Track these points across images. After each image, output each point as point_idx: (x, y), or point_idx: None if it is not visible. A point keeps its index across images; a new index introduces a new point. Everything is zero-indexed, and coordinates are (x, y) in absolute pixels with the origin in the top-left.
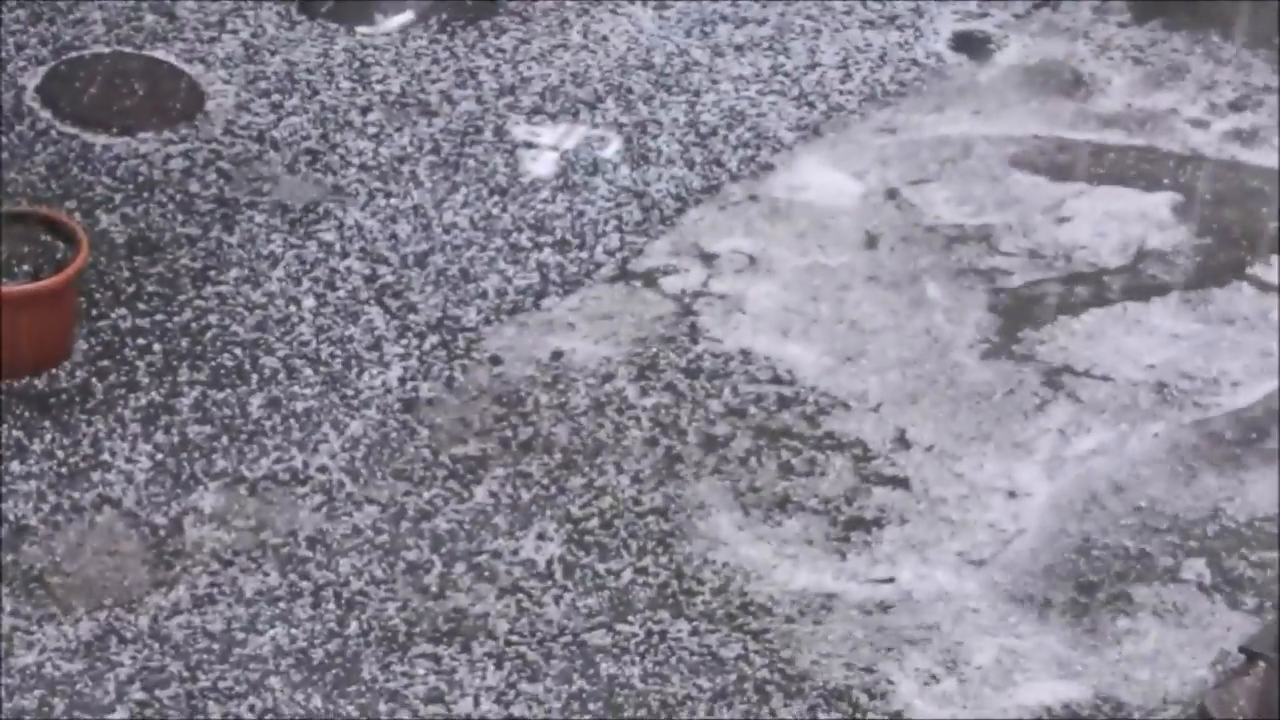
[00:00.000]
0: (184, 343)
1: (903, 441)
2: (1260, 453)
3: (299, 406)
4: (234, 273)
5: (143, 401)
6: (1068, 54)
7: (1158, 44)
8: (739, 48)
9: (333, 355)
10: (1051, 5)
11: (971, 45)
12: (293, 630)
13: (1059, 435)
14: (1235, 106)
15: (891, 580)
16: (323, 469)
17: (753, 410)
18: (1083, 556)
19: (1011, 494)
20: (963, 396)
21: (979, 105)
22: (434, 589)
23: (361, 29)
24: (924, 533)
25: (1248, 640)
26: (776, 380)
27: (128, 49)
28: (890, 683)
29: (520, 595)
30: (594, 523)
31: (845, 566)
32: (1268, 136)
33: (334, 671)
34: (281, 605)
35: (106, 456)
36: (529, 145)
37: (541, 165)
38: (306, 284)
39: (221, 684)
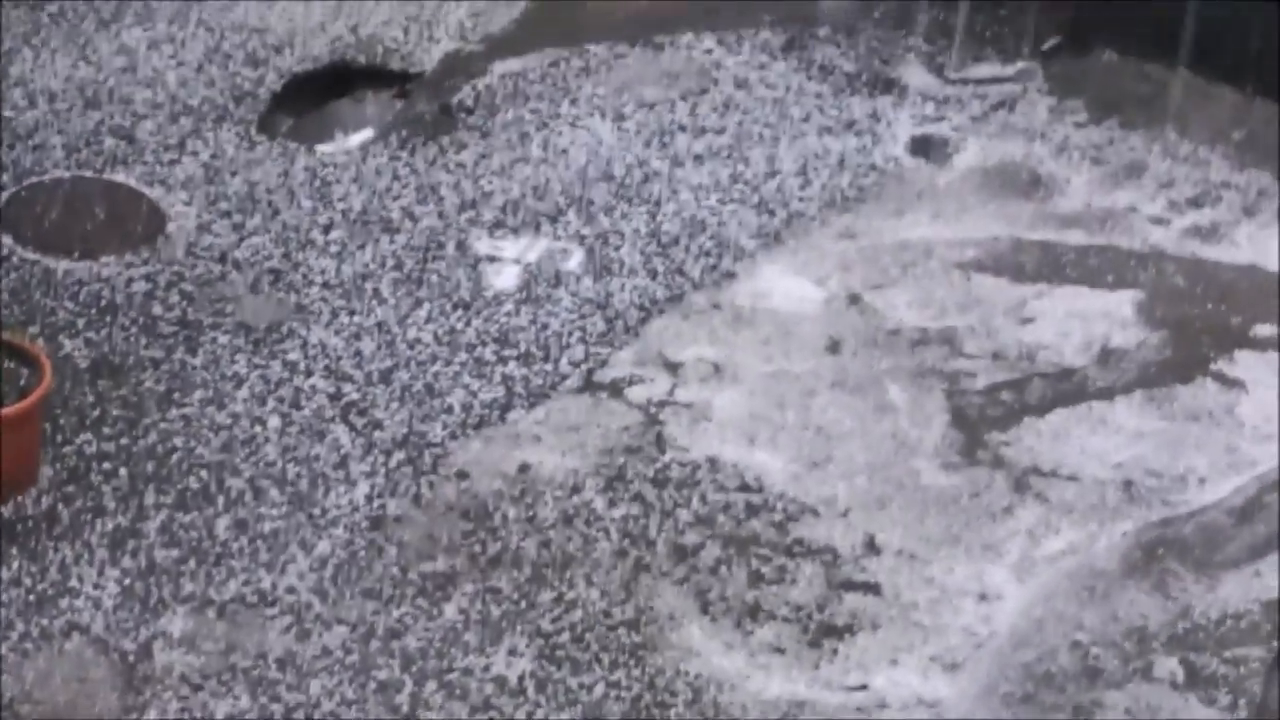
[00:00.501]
0: (149, 466)
1: (872, 547)
2: (1228, 549)
3: (266, 527)
4: (198, 394)
5: (109, 526)
6: (1025, 155)
7: (1115, 143)
8: (698, 157)
9: (299, 475)
10: (1008, 107)
11: (929, 149)
12: None
13: (1028, 537)
14: (1194, 203)
15: (865, 687)
16: (291, 590)
17: (721, 519)
18: (1055, 658)
19: (983, 597)
20: (930, 500)
21: (938, 208)
22: (405, 708)
23: (322, 147)
24: (896, 638)
25: None
26: (744, 488)
27: (88, 173)
28: None
29: (492, 712)
30: (565, 636)
31: (818, 675)
32: (1228, 232)
33: None
34: None
35: (74, 582)
36: (492, 259)
37: (504, 278)
38: (271, 404)
39: None
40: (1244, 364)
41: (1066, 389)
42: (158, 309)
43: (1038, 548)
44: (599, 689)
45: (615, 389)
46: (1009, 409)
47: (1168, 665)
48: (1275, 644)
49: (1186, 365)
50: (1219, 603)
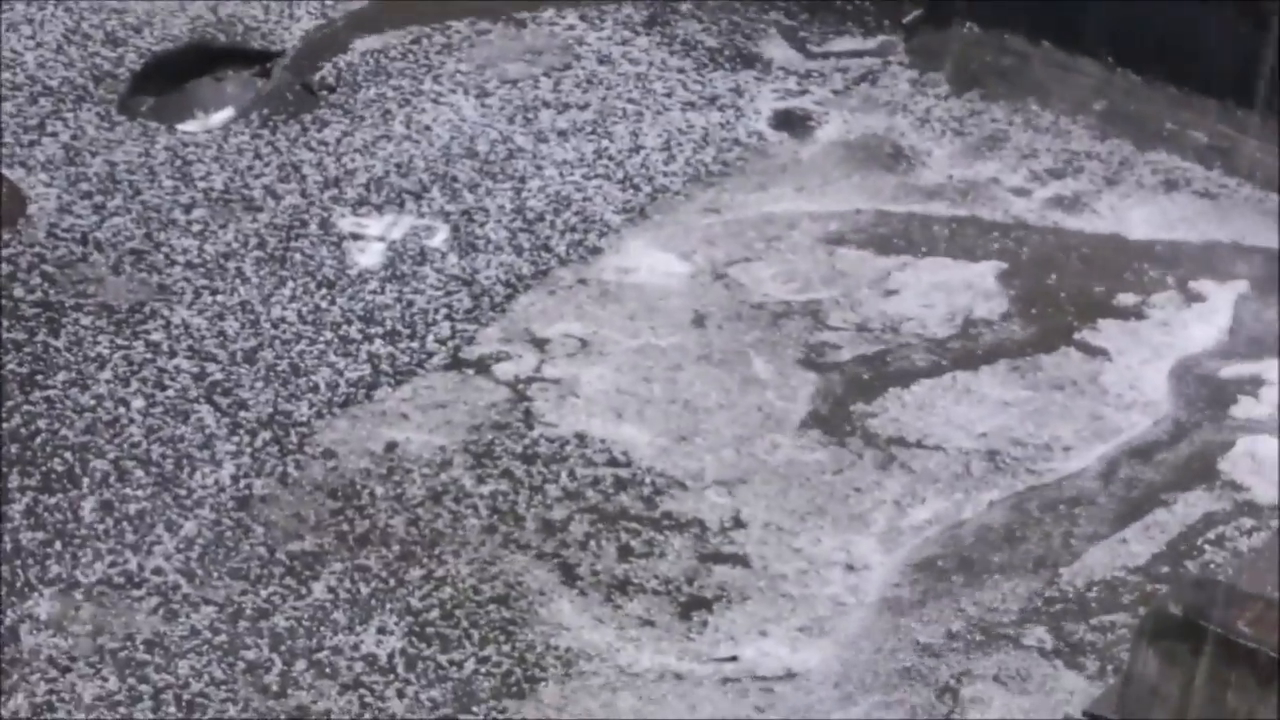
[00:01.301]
0: (13, 449)
1: (739, 520)
2: (1094, 518)
3: (131, 509)
4: (61, 376)
5: None
6: (888, 128)
7: (976, 114)
8: (562, 133)
9: (164, 456)
10: (870, 80)
11: (792, 123)
12: None
13: (894, 507)
14: (1056, 174)
15: (735, 659)
16: (158, 571)
17: (590, 493)
18: (923, 626)
19: (850, 567)
20: (797, 472)
21: (802, 182)
22: (275, 688)
23: (183, 127)
24: (765, 609)
25: (1091, 704)
26: (613, 463)
27: None
28: None
29: (362, 691)
30: (435, 614)
31: (688, 647)
32: (1089, 202)
33: None
34: (122, 710)
35: None
36: (355, 237)
37: (369, 256)
38: (135, 385)
39: None
40: (1106, 333)
41: (931, 360)
42: (19, 291)
43: (904, 518)
44: (469, 665)
45: (482, 366)
46: (874, 380)
47: (1036, 633)
48: (1141, 611)
49: (1050, 335)
50: (1085, 571)
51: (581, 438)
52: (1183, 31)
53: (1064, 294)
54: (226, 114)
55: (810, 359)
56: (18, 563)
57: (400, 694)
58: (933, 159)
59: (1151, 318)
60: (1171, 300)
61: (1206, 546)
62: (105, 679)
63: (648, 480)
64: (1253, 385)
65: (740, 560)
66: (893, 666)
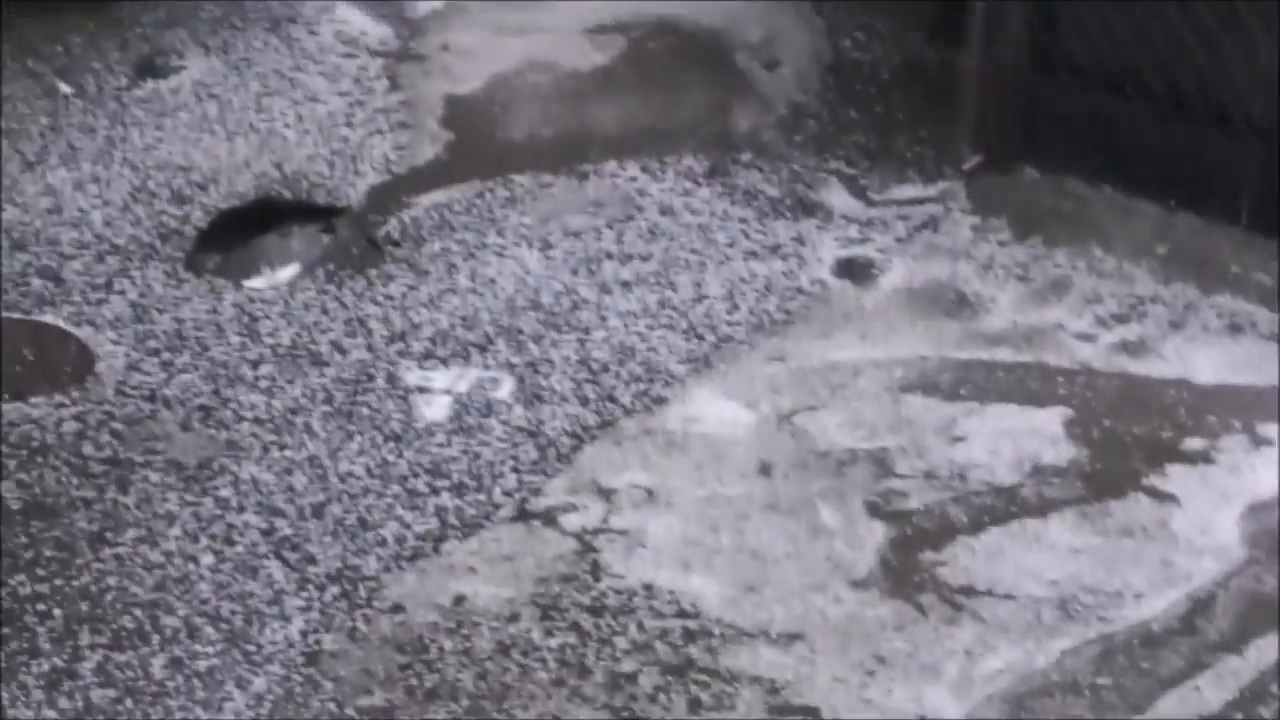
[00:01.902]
0: (84, 606)
1: (810, 670)
2: (1166, 664)
3: (201, 665)
4: (131, 533)
5: (45, 668)
6: (951, 275)
7: (1039, 260)
8: (625, 284)
9: (233, 612)
10: (931, 227)
11: (855, 271)
12: None
13: (965, 656)
14: (1120, 319)
15: None
16: None
17: (658, 645)
18: None
19: (922, 719)
20: (867, 622)
21: (865, 330)
22: None
23: (249, 283)
24: None
25: None
26: (681, 614)
27: (15, 315)
28: None
29: None
30: None
31: None
32: (1155, 347)
33: None
34: None
35: None
36: (422, 390)
37: (435, 409)
38: (204, 541)
39: None
40: (1175, 478)
41: (999, 507)
42: (89, 449)
43: (975, 667)
44: None
45: (549, 517)
46: (942, 529)
47: None
48: None
49: (1118, 480)
50: (1159, 718)
51: (649, 589)
52: (1245, 173)
53: (1131, 439)
54: (293, 270)
55: (878, 507)
56: None
57: None
58: (996, 305)
59: (1220, 462)
60: (1240, 444)
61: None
62: None
63: (716, 631)
64: None
65: (811, 713)
66: None
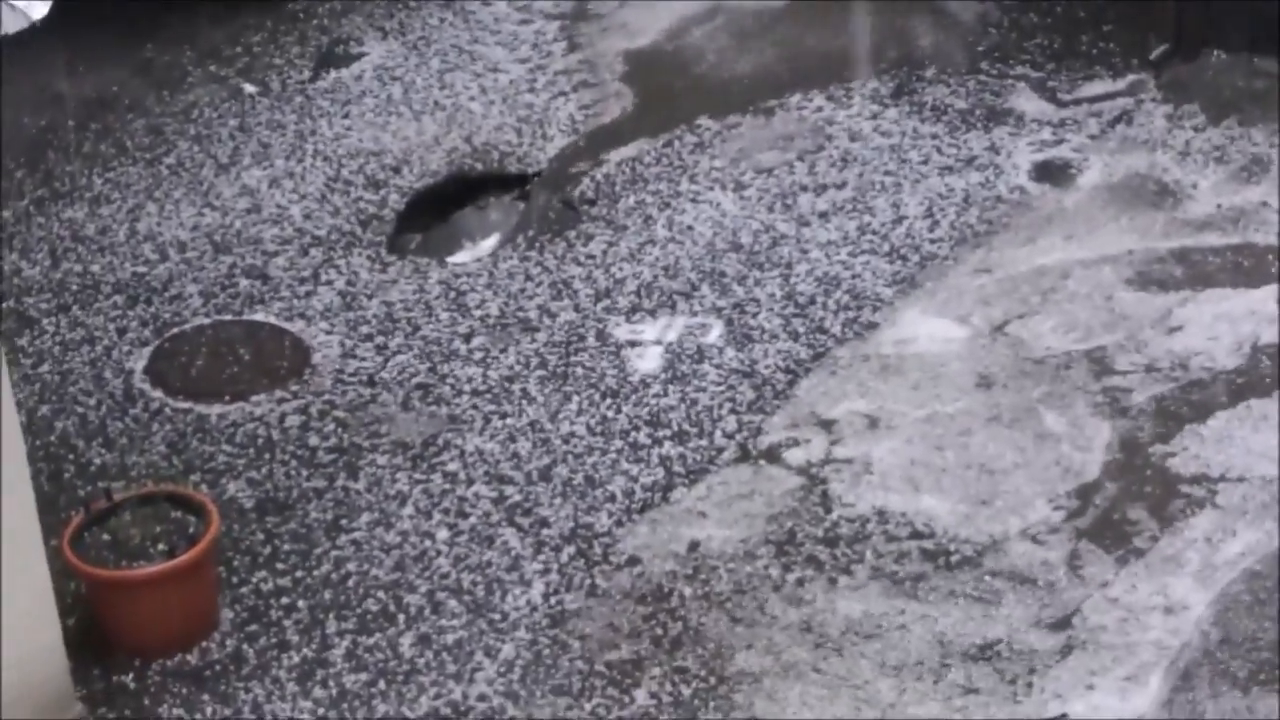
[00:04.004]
0: (327, 595)
1: (1053, 574)
2: None
3: (449, 639)
4: (365, 518)
5: (295, 660)
6: (1149, 165)
7: (1236, 141)
8: (823, 215)
9: (474, 583)
10: (1125, 121)
11: (1053, 173)
12: None
13: (1206, 544)
14: None
15: (1065, 716)
16: (482, 697)
17: (896, 568)
18: (1249, 661)
19: (1169, 610)
20: (1104, 520)
21: (1070, 231)
22: None
23: (452, 259)
24: (1089, 662)
25: None
26: (916, 535)
27: (227, 316)
28: None
29: None
30: (758, 707)
31: (1018, 709)
32: None
33: None
34: None
35: None
36: (633, 344)
37: (648, 361)
38: (437, 517)
39: None
40: None
41: (1223, 392)
42: (314, 440)
43: (1217, 553)
44: None
45: (773, 455)
46: (1169, 419)
47: None
48: None
49: None
50: None
51: (881, 514)
52: None
53: None
54: (493, 241)
55: (1102, 407)
56: (345, 706)
57: None
58: (1198, 191)
59: None
60: None
61: None
62: None
63: (953, 549)
64: None
65: (1062, 621)
66: (1223, 705)
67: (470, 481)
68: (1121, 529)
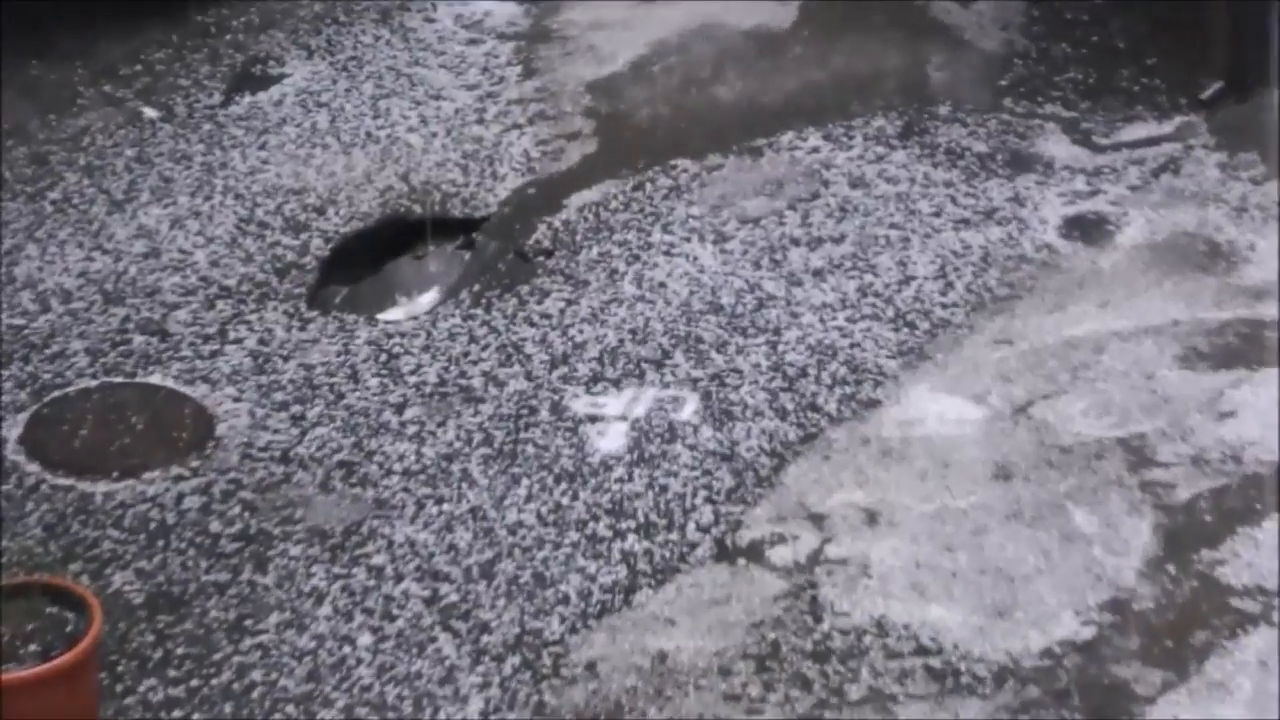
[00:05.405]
0: (227, 708)
1: (1082, 700)
2: None
3: None
4: (274, 618)
5: None
6: (1199, 222)
7: None
8: (817, 273)
9: (400, 697)
10: (1171, 170)
11: (1086, 229)
12: None
13: (1260, 668)
14: None
15: None
16: None
17: (897, 690)
18: None
19: None
20: (1144, 637)
21: (1105, 297)
22: None
23: (384, 316)
24: None
25: None
26: (921, 651)
27: (118, 379)
28: None
29: None
30: None
31: None
32: None
33: None
34: None
35: None
36: (593, 419)
37: (610, 440)
38: (359, 619)
39: None
40: None
41: None
42: (216, 525)
43: (1273, 679)
44: None
45: (755, 553)
46: (1219, 520)
47: None
48: None
49: None
50: None
51: (881, 626)
52: None
53: None
54: (432, 296)
55: (1140, 504)
56: None
57: None
58: (1256, 253)
59: None
60: None
61: None
62: None
63: (964, 668)
64: None
65: None
66: None
67: (399, 578)
68: (1162, 648)
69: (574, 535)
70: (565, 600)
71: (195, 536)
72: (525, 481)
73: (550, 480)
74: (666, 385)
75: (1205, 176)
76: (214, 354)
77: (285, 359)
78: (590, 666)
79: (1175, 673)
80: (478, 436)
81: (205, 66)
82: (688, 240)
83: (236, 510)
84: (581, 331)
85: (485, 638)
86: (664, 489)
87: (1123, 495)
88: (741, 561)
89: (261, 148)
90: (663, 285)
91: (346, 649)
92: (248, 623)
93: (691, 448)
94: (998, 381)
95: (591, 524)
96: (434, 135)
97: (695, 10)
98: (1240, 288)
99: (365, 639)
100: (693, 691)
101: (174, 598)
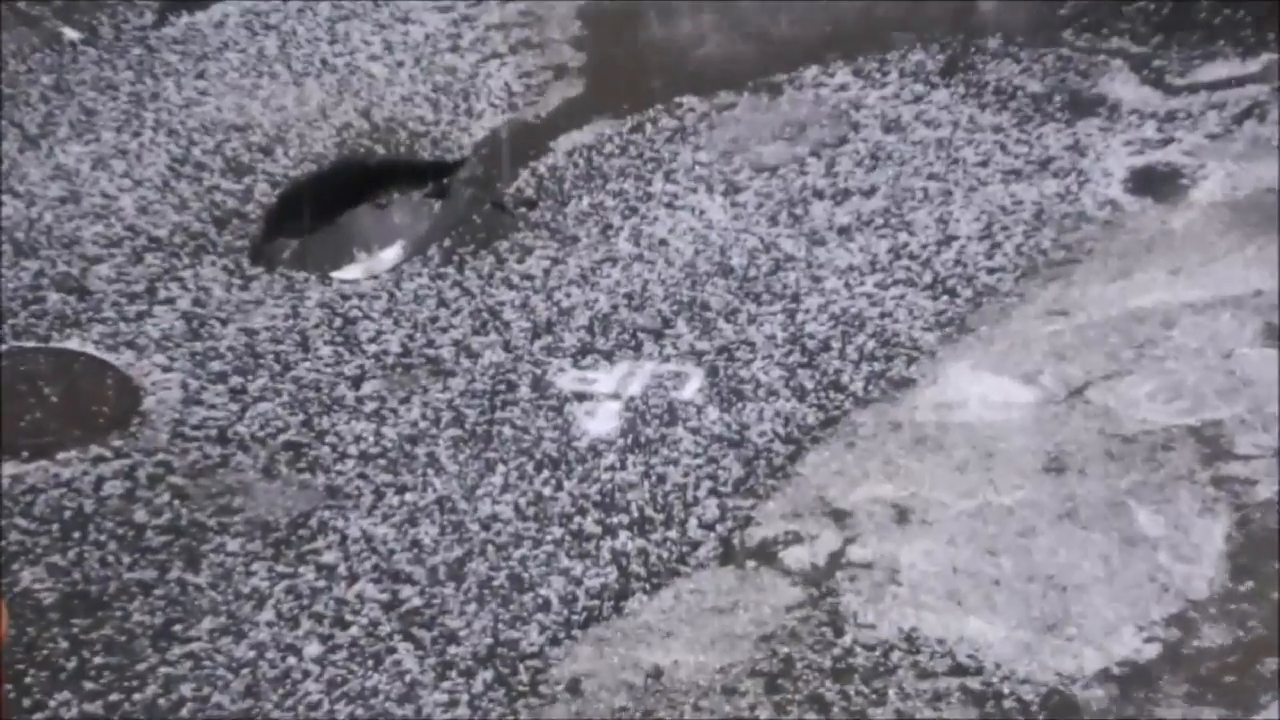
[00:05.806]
0: None
1: None
2: None
3: None
4: (207, 624)
5: None
6: None
7: None
8: (843, 230)
9: (353, 716)
10: (1256, 116)
11: (1156, 184)
12: None
13: None
14: None
15: None
16: None
17: (929, 715)
18: None
19: None
20: (1219, 661)
21: (1177, 262)
22: None
23: (339, 274)
24: None
25: None
26: (958, 670)
27: (29, 343)
28: None
29: None
30: None
31: None
32: None
33: None
34: None
35: None
36: (581, 397)
37: (601, 421)
38: (306, 625)
39: None
40: None
41: None
42: (142, 515)
43: None
44: None
45: (766, 555)
46: None
47: None
48: None
49: None
50: None
51: (911, 640)
52: None
53: None
54: (395, 252)
55: (1214, 503)
56: None
57: None
58: None
59: None
60: None
61: None
62: None
63: (1008, 690)
64: None
65: None
66: None
67: (353, 578)
68: (1237, 670)
69: (557, 531)
70: (545, 606)
71: (117, 528)
72: (501, 468)
73: (530, 467)
74: (666, 359)
75: None
76: (141, 315)
77: (224, 322)
78: (573, 684)
79: (1253, 702)
80: (447, 416)
81: None
82: (693, 191)
83: (165, 498)
84: (569, 295)
85: (452, 649)
86: (662, 479)
87: (1194, 493)
88: (750, 564)
89: (199, 76)
90: (664, 243)
91: (291, 660)
92: (177, 628)
93: (694, 431)
94: (1051, 359)
95: (577, 518)
96: (400, 64)
97: None
98: None
99: (313, 649)
100: (691, 714)
101: (92, 598)
